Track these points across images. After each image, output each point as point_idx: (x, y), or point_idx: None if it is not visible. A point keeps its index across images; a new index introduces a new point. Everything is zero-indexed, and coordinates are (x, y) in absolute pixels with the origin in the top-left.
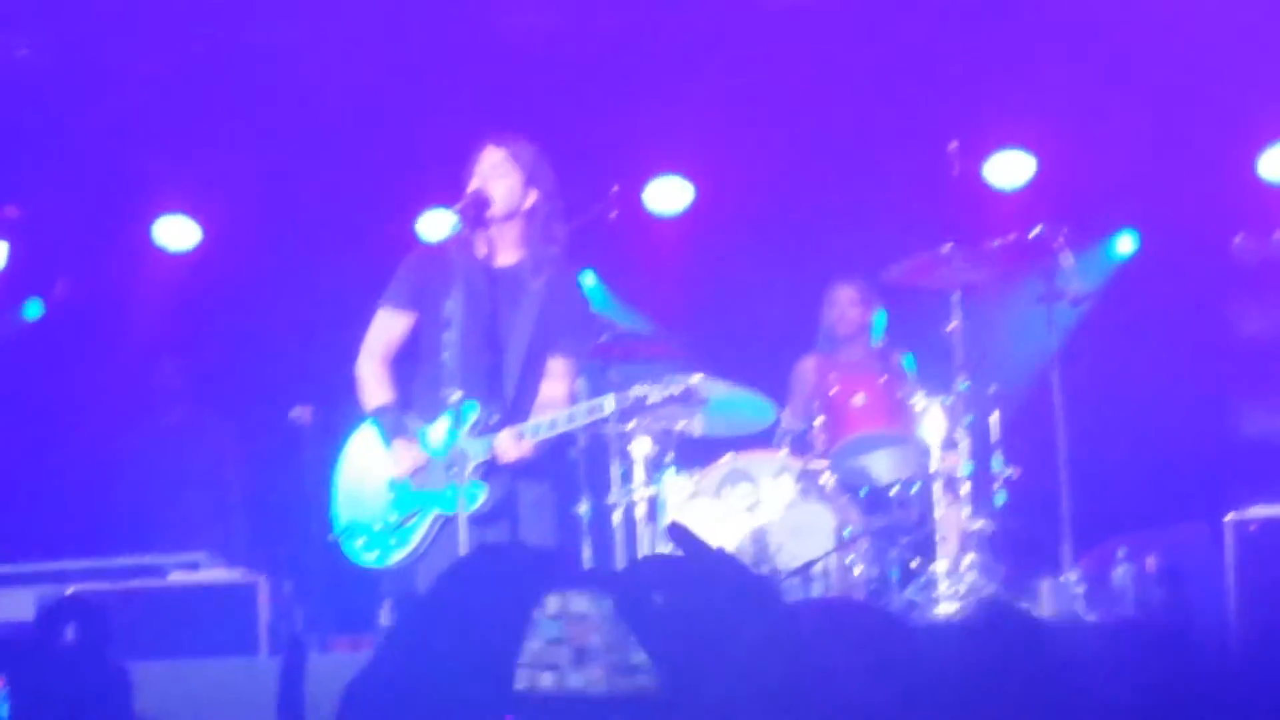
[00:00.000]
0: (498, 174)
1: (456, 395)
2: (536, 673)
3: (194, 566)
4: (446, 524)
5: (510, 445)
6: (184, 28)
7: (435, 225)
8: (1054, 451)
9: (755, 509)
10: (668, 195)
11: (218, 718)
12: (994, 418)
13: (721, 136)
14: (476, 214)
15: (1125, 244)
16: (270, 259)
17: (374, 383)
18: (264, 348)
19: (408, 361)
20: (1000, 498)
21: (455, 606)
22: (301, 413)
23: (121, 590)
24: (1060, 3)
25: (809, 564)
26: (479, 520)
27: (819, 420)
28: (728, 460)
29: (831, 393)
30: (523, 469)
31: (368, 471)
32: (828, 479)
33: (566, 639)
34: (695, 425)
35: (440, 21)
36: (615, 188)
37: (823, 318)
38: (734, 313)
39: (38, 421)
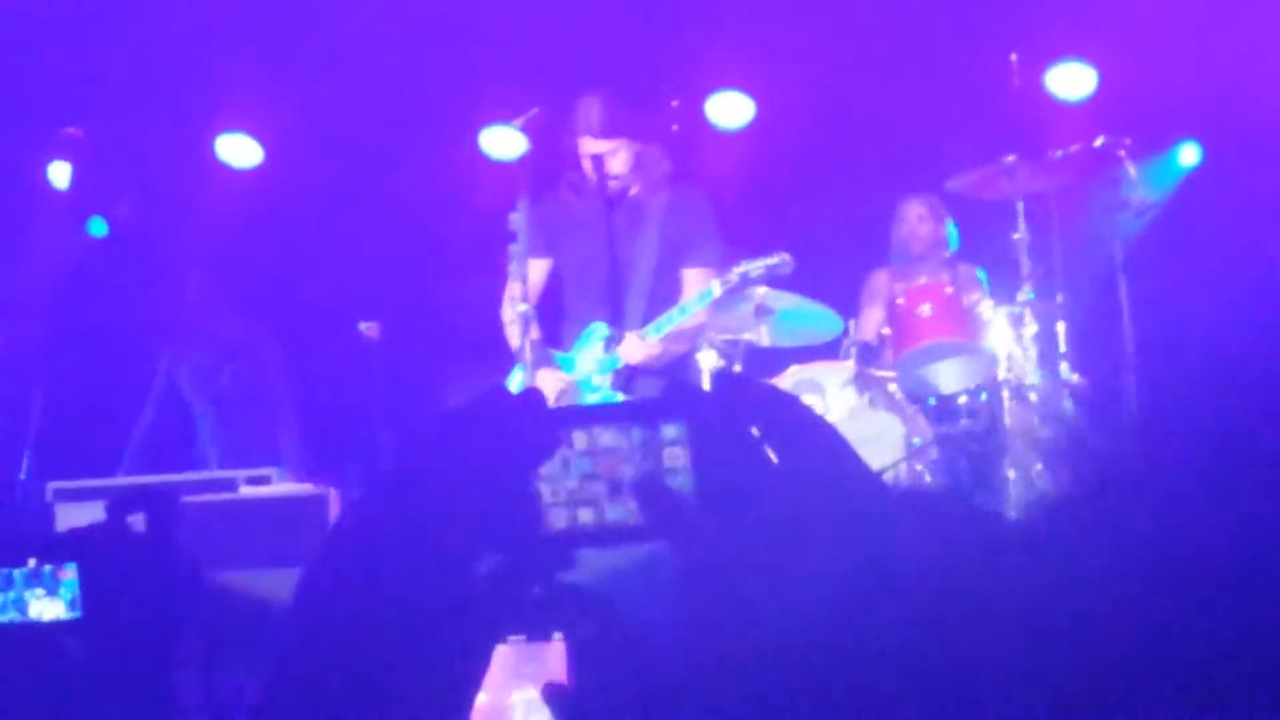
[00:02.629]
0: (612, 155)
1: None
2: (575, 510)
3: (265, 481)
4: None
5: (635, 346)
6: None
7: (498, 140)
8: (1122, 359)
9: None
10: (730, 109)
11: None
12: (1061, 326)
13: (780, 50)
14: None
15: (1189, 154)
16: (332, 176)
17: (514, 326)
18: (329, 263)
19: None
20: (1069, 405)
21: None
22: (369, 327)
23: (193, 504)
24: None
25: (879, 472)
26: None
27: (886, 330)
28: (794, 371)
29: (899, 303)
30: (657, 375)
31: None
32: (895, 388)
33: (599, 473)
34: (762, 336)
35: None
36: (675, 102)
37: (893, 233)
38: (798, 226)
39: (104, 339)
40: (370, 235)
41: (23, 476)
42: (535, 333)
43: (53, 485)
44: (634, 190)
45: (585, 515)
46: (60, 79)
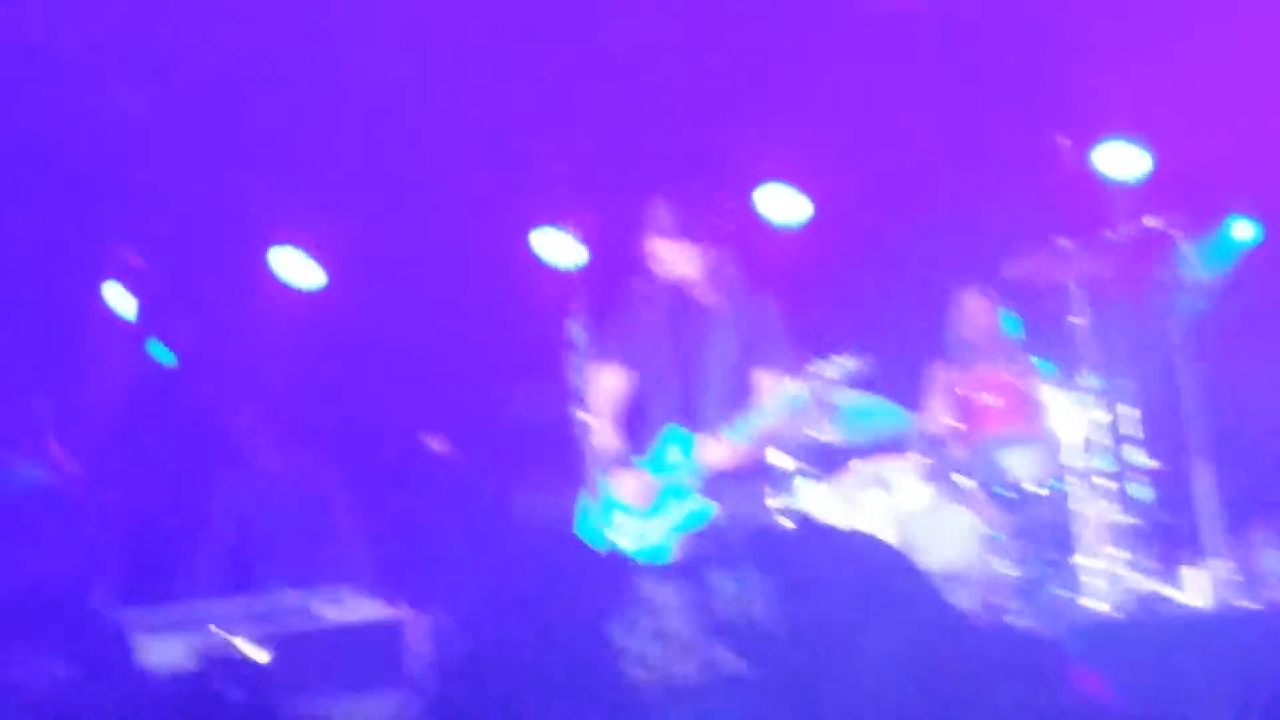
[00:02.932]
0: (681, 256)
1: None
2: (645, 665)
3: (336, 600)
4: (686, 539)
5: (714, 450)
6: (295, 68)
7: (551, 243)
8: (1189, 439)
9: (893, 514)
10: (783, 205)
11: None
12: (1125, 410)
13: (831, 144)
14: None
15: (1243, 229)
16: (390, 291)
17: (600, 433)
18: (391, 378)
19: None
20: (1139, 489)
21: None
22: (434, 441)
23: (271, 633)
24: None
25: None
26: (709, 532)
27: (952, 423)
28: (860, 467)
29: (963, 395)
30: (744, 476)
31: (612, 511)
32: (965, 481)
33: (653, 628)
34: (826, 432)
35: (548, 38)
36: (729, 200)
37: (951, 323)
38: (855, 321)
39: (175, 466)
40: (430, 346)
41: (98, 605)
42: (615, 440)
43: (130, 614)
44: (704, 294)
45: (654, 671)
46: (119, 203)
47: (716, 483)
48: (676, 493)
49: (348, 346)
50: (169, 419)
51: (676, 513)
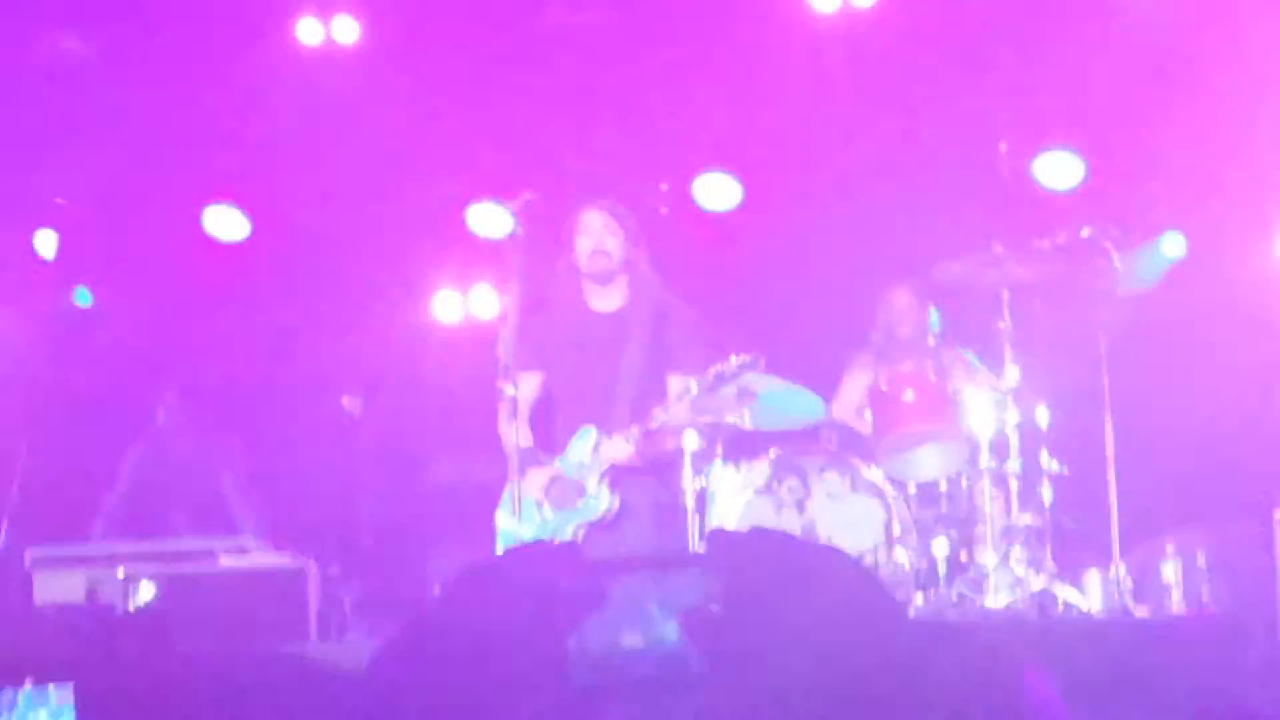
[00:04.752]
0: (608, 233)
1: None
2: (601, 661)
3: (242, 551)
4: (589, 531)
5: (616, 448)
6: (232, 19)
7: (486, 218)
8: (1102, 447)
9: (804, 502)
10: (717, 191)
11: (268, 703)
12: (1042, 414)
13: (770, 134)
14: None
15: (1172, 244)
16: (318, 249)
17: (510, 434)
18: (313, 334)
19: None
20: (1048, 493)
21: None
22: (351, 401)
23: (172, 574)
24: (1109, 3)
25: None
26: (608, 524)
27: (868, 415)
28: (775, 454)
29: (882, 388)
30: (643, 472)
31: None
32: (876, 473)
33: (626, 624)
34: (745, 419)
35: (489, 16)
36: (664, 185)
37: (878, 317)
38: (782, 308)
39: (86, 407)
40: (355, 309)
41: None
42: (526, 440)
43: (31, 552)
44: (621, 303)
45: (613, 666)
46: (48, 150)
47: (624, 478)
48: (583, 490)
49: (275, 304)
50: (85, 364)
51: (582, 509)
